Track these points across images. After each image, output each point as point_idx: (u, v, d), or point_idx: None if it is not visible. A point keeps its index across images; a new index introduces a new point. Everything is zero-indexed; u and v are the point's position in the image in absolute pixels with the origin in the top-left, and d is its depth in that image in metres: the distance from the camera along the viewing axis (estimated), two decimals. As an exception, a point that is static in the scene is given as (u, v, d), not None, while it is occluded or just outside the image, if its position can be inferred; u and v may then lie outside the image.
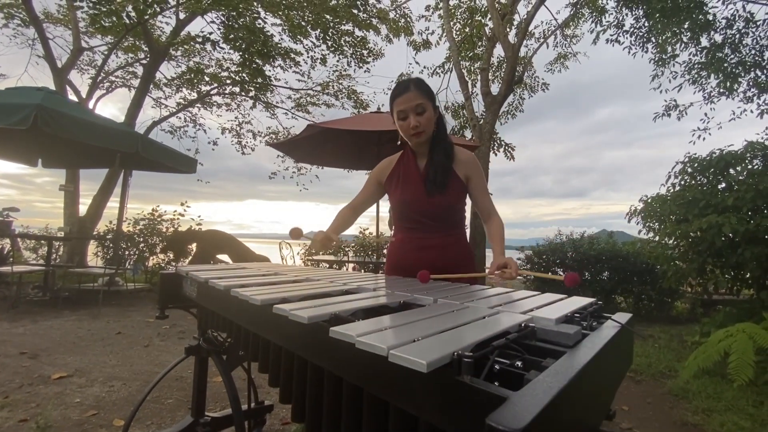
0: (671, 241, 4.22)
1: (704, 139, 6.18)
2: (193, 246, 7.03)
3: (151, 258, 7.35)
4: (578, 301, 1.01)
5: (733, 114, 5.93)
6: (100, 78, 9.35)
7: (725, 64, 5.22)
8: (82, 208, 7.95)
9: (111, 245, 7.01)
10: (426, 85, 1.50)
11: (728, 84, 5.29)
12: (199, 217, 7.50)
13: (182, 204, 7.53)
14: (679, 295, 5.70)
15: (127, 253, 7.07)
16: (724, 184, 4.01)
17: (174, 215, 7.45)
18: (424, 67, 10.43)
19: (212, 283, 1.18)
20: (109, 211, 7.90)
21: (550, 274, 1.07)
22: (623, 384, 3.03)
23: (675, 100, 6.22)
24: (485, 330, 0.67)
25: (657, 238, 4.51)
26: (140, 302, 5.51)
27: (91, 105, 8.87)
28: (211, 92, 10.34)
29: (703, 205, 3.74)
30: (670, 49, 5.88)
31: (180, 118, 10.80)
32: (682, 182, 4.36)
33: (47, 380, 2.61)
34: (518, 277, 1.20)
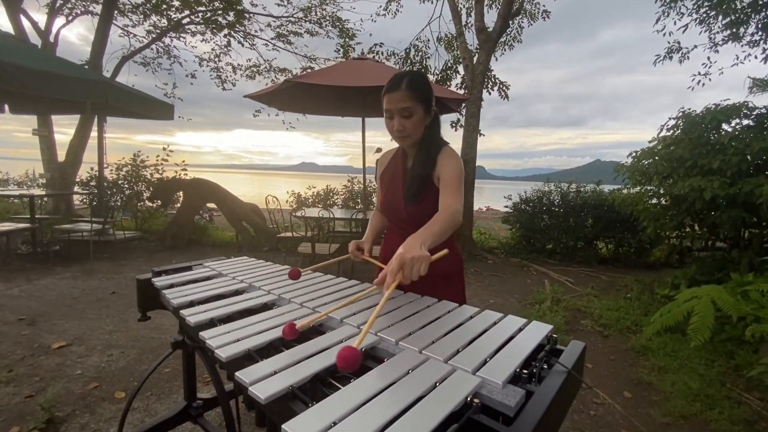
0: (653, 200, 4.27)
1: (703, 84, 5.95)
2: (180, 194, 6.99)
3: (139, 204, 7.34)
4: (537, 334, 1.04)
5: (737, 59, 5.63)
6: (58, 4, 8.46)
7: (735, 2, 4.82)
8: (62, 138, 7.67)
9: (96, 192, 6.93)
10: (422, 85, 1.35)
11: (735, 29, 4.92)
12: (183, 162, 7.33)
13: (165, 149, 7.32)
14: (659, 242, 5.89)
15: (113, 200, 7.02)
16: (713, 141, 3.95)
17: (157, 160, 7.28)
18: (417, -8, 9.50)
19: (182, 315, 1.20)
20: (91, 141, 7.62)
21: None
22: (592, 340, 3.27)
23: (678, 42, 5.84)
24: (430, 417, 0.70)
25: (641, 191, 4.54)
26: (132, 254, 5.60)
27: (51, 38, 8.13)
28: (183, 20, 9.48)
29: (689, 164, 3.72)
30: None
31: (153, 49, 10.02)
32: (674, 136, 4.28)
33: (48, 350, 2.75)
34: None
